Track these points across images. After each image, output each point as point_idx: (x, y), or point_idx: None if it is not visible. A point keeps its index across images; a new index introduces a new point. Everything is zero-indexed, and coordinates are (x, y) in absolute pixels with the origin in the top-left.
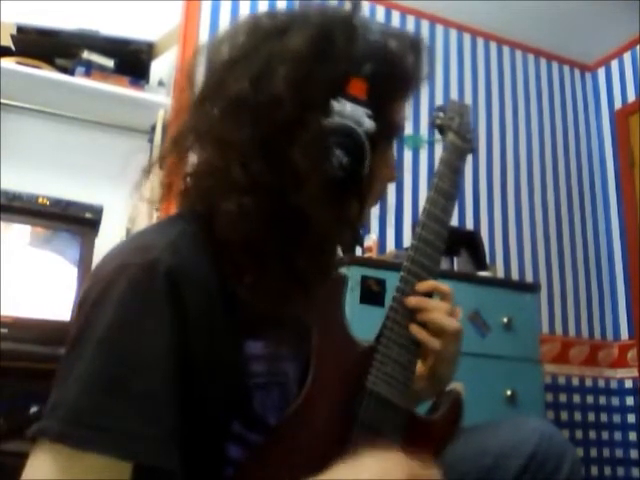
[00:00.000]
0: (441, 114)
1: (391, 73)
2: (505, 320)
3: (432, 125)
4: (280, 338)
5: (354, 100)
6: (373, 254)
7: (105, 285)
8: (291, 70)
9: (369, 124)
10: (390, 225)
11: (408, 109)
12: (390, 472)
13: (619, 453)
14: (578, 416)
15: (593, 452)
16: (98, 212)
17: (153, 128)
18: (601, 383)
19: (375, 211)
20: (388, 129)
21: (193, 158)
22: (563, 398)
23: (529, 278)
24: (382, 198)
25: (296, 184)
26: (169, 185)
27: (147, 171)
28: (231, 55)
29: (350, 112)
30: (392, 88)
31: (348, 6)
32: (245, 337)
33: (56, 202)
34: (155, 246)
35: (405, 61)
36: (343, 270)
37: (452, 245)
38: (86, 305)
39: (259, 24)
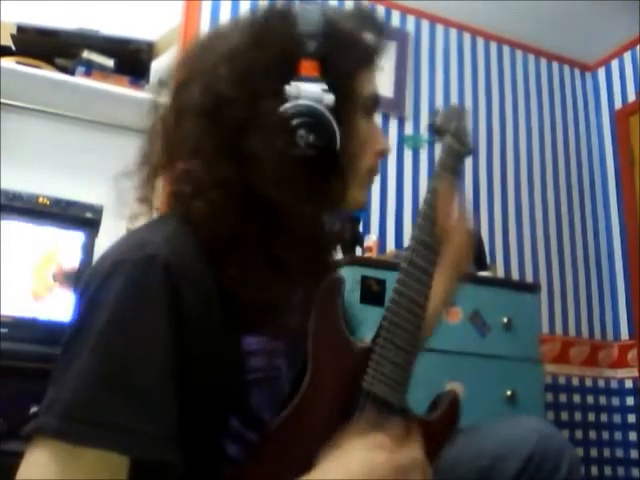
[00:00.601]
0: (439, 117)
1: (340, 45)
2: (505, 320)
3: (430, 127)
4: (276, 334)
5: (308, 80)
6: (373, 254)
7: (102, 281)
8: (233, 68)
9: (328, 98)
10: (390, 225)
11: (377, 78)
12: (376, 462)
13: (619, 453)
14: (578, 416)
15: (593, 452)
16: (98, 212)
17: None
18: (601, 383)
19: (375, 211)
20: (355, 100)
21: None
22: (563, 398)
23: (529, 278)
24: (375, 173)
25: (259, 173)
26: (147, 199)
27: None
28: (187, 75)
29: (305, 92)
30: (346, 59)
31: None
32: (243, 334)
33: (56, 202)
34: (151, 242)
35: (352, 30)
36: (339, 272)
37: None
38: (83, 302)
39: (210, 36)
